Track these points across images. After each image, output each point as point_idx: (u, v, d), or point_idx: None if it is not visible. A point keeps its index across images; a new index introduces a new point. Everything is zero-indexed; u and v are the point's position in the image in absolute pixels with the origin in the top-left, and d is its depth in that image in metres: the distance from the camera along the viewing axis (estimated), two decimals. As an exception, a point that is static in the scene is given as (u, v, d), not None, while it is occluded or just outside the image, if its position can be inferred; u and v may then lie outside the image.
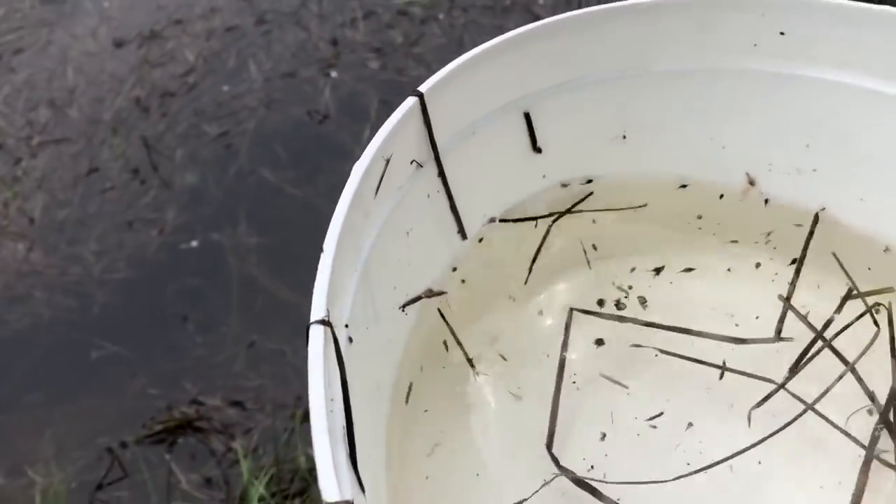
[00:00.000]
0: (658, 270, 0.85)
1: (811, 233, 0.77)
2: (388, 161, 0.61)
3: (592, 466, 0.72)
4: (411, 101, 0.64)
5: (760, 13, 0.73)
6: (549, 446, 0.70)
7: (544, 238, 0.80)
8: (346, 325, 0.55)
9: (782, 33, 0.72)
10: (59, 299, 1.60)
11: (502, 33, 0.67)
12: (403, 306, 0.67)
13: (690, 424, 0.74)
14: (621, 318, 0.79)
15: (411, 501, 0.68)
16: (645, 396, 0.76)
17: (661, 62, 0.75)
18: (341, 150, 1.81)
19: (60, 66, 2.08)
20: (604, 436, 0.74)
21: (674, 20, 0.73)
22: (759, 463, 0.70)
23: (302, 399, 1.42)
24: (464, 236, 0.72)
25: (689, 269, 0.84)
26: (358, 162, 0.60)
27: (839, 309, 0.73)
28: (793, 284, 0.77)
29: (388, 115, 0.62)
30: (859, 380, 0.70)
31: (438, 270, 0.73)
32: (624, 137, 0.77)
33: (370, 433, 0.59)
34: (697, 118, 0.78)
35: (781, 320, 0.75)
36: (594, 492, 0.67)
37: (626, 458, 0.72)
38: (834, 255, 0.76)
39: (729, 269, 0.84)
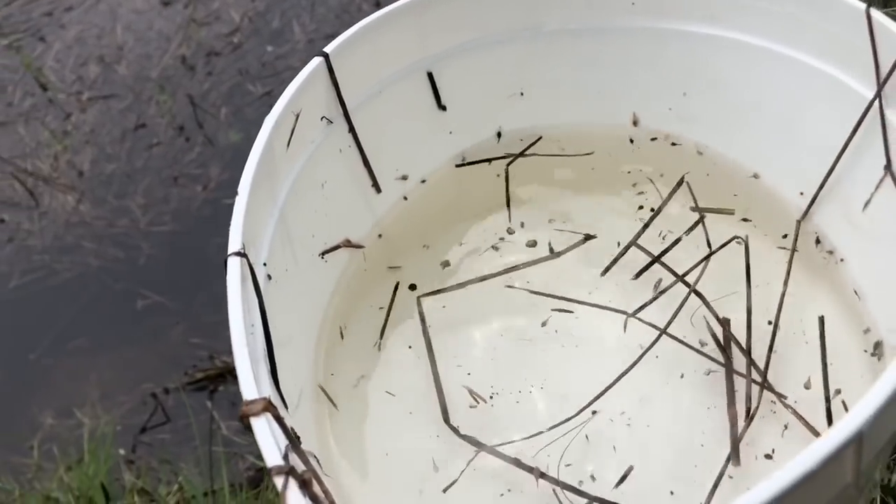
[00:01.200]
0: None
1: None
2: (297, 116, 0.66)
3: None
4: (317, 60, 0.68)
5: None
6: (445, 420, 0.72)
7: (507, 181, 0.87)
8: (265, 264, 0.61)
9: None
10: (106, 250, 1.65)
11: None
12: (322, 254, 0.71)
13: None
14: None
15: (339, 423, 0.73)
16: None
17: (552, 23, 0.81)
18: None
19: (110, 23, 2.12)
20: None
21: None
22: (636, 391, 0.73)
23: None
24: (378, 190, 0.77)
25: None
26: (268, 115, 0.66)
27: (689, 230, 0.80)
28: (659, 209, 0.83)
29: None
30: (703, 300, 0.74)
31: (357, 223, 0.80)
32: (522, 94, 0.85)
33: (293, 368, 0.65)
34: (587, 74, 0.85)
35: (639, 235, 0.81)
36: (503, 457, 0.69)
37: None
38: (684, 178, 0.83)
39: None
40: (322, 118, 0.69)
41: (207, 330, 1.52)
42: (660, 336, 0.73)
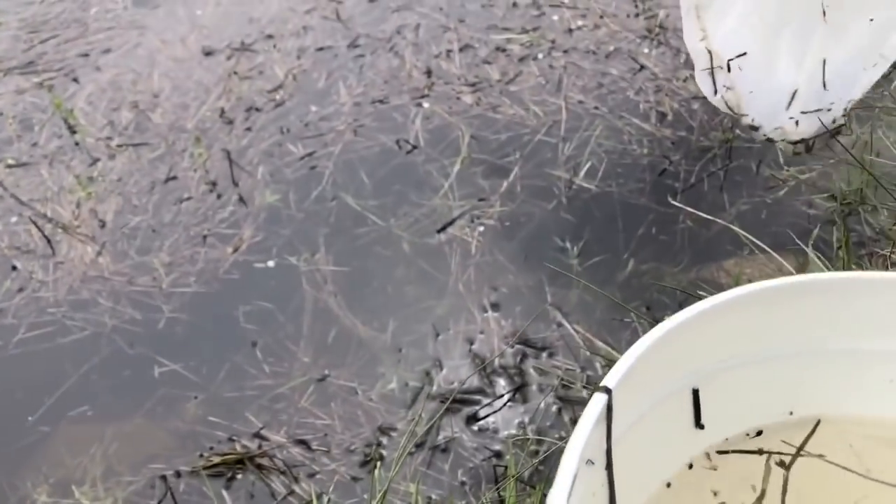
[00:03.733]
0: None
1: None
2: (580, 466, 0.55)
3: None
4: (601, 400, 0.57)
5: None
6: None
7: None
8: None
9: None
10: (124, 309, 1.52)
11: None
12: None
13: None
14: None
15: None
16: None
17: (842, 340, 0.69)
18: (428, 183, 1.72)
19: (147, 69, 2.03)
20: None
21: (868, 298, 0.66)
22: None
23: (372, 446, 1.31)
24: None
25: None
26: (563, 466, 0.54)
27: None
28: None
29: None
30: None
31: None
32: (791, 413, 0.72)
33: None
34: (877, 401, 0.71)
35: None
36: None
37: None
38: None
39: None
40: (588, 461, 0.57)
41: (228, 408, 1.38)
42: None
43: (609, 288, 1.50)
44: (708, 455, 0.72)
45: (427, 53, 2.03)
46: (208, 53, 2.07)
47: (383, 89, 1.94)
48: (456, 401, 1.35)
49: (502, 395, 1.36)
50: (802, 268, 1.35)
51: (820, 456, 0.71)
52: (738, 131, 1.74)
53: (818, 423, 0.72)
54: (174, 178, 1.76)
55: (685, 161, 1.71)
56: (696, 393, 0.67)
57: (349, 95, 1.92)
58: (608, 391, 0.58)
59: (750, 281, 1.35)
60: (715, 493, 0.71)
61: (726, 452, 0.72)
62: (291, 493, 1.26)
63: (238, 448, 1.31)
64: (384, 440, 1.32)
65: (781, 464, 0.70)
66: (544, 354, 1.41)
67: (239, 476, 1.29)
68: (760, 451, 0.71)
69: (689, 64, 1.92)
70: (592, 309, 1.48)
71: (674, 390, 0.67)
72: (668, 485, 0.71)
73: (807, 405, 0.72)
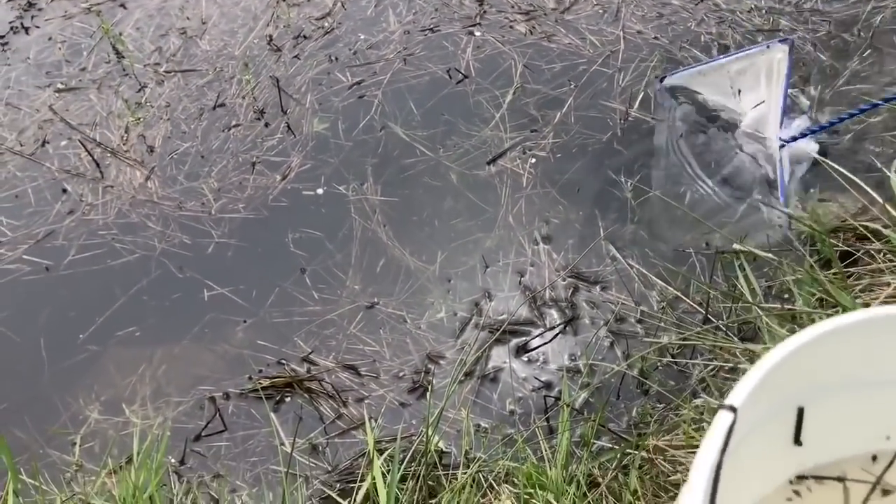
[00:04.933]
0: None
1: None
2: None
3: None
4: (726, 418, 0.56)
5: None
6: None
7: None
8: None
9: None
10: (173, 233, 1.52)
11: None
12: None
13: None
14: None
15: None
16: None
17: None
18: (478, 114, 1.67)
19: (195, -5, 2.00)
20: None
21: None
22: None
23: (420, 374, 1.30)
24: None
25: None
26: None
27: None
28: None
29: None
30: None
31: None
32: (888, 438, 0.68)
33: None
34: None
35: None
36: None
37: None
38: None
39: None
40: None
41: (276, 332, 1.37)
42: None
43: (664, 224, 1.45)
44: (797, 479, 0.69)
45: (479, -18, 1.97)
46: (256, -20, 2.02)
47: (434, 17, 1.88)
48: (505, 332, 1.33)
49: (553, 327, 1.33)
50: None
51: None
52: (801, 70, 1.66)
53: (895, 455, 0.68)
54: (222, 105, 1.74)
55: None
56: (800, 411, 0.66)
57: (399, 23, 1.87)
58: (733, 409, 0.56)
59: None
60: None
61: (805, 478, 0.69)
62: (340, 416, 1.25)
63: (286, 371, 1.31)
64: (433, 368, 1.31)
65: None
66: (597, 288, 1.38)
67: (287, 399, 1.29)
68: (840, 479, 0.69)
69: (754, -6, 1.84)
70: (647, 244, 1.43)
71: (778, 409, 0.65)
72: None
73: None
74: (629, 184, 1.51)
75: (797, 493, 0.70)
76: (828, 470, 0.68)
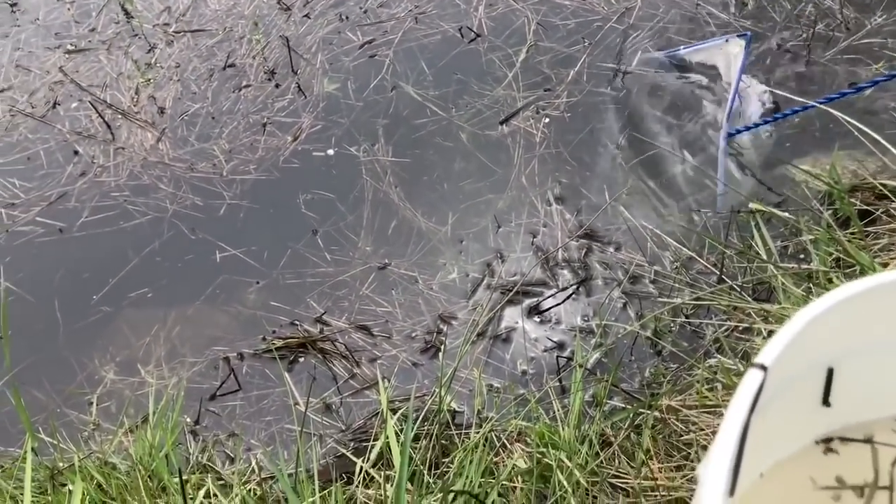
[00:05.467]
0: None
1: None
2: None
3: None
4: (756, 376, 0.56)
5: None
6: None
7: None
8: None
9: None
10: (185, 195, 1.51)
11: None
12: None
13: None
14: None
15: None
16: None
17: None
18: (491, 73, 1.65)
19: (203, -46, 1.98)
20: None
21: None
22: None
23: (433, 334, 1.30)
24: (731, 493, 0.60)
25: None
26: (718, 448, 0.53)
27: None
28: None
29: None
30: None
31: None
32: None
33: None
34: None
35: None
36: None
37: None
38: None
39: None
40: None
41: (289, 294, 1.37)
42: None
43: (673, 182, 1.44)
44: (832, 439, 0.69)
45: (492, -62, 1.93)
46: (265, -63, 1.99)
47: (446, -25, 1.85)
48: (518, 292, 1.33)
49: (566, 288, 1.33)
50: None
51: None
52: (821, 26, 1.63)
53: None
54: (232, 65, 1.72)
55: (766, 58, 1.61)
56: (830, 372, 0.65)
57: (410, -19, 1.84)
58: (764, 368, 0.56)
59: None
60: (839, 480, 0.67)
61: (832, 440, 0.68)
62: (353, 376, 1.26)
63: (300, 332, 1.31)
64: (445, 328, 1.31)
65: None
66: (610, 248, 1.37)
67: (301, 360, 1.29)
68: (868, 441, 0.68)
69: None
70: (662, 204, 1.42)
71: (808, 369, 0.65)
72: (782, 462, 0.68)
73: None
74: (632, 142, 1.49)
75: (827, 451, 0.69)
76: (855, 431, 0.67)
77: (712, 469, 0.53)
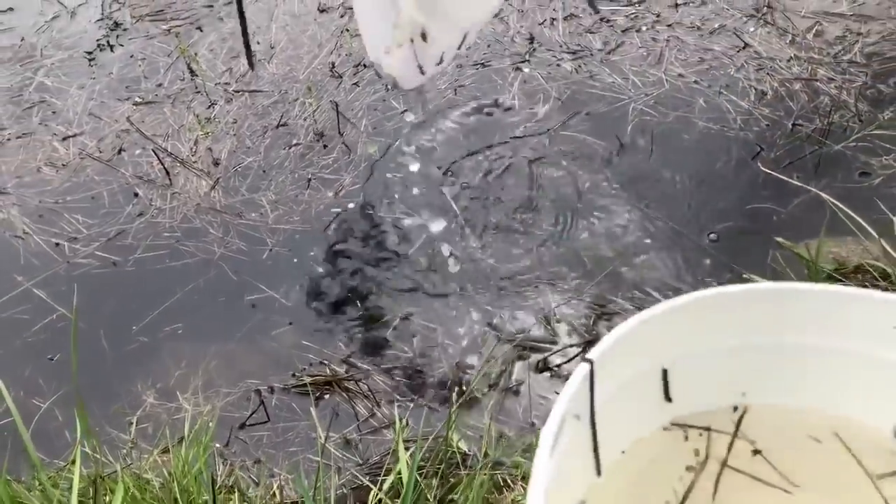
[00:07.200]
0: None
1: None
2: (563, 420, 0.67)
3: None
4: (584, 367, 0.70)
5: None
6: None
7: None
8: None
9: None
10: (232, 239, 1.64)
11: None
12: None
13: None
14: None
15: None
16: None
17: (795, 336, 0.79)
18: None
19: (265, 22, 2.15)
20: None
21: (810, 303, 0.77)
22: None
23: (448, 383, 1.40)
24: (598, 473, 0.75)
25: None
26: (546, 427, 0.66)
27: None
28: None
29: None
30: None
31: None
32: (743, 394, 0.82)
33: None
34: (828, 393, 0.80)
35: None
36: None
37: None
38: None
39: None
40: (575, 416, 0.71)
41: (319, 335, 1.48)
42: None
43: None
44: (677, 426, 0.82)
45: (531, 20, 2.09)
46: (323, 10, 2.17)
47: (485, 53, 2.00)
48: (525, 347, 1.42)
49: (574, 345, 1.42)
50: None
51: (752, 442, 0.79)
52: (836, 117, 1.73)
53: (745, 410, 0.81)
54: (285, 124, 1.87)
55: (779, 141, 1.72)
56: (665, 372, 0.78)
57: (453, 58, 1.99)
58: (590, 361, 0.69)
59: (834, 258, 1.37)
60: (697, 453, 0.80)
61: (679, 426, 0.80)
62: (373, 415, 1.35)
63: (327, 371, 1.42)
64: (461, 376, 1.40)
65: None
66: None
67: (327, 396, 1.39)
68: (707, 429, 0.80)
69: (794, 45, 1.92)
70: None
71: (649, 368, 0.78)
72: (639, 441, 0.81)
73: (759, 392, 0.82)
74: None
75: (673, 434, 0.82)
76: (697, 420, 0.80)
77: (537, 456, 0.64)
